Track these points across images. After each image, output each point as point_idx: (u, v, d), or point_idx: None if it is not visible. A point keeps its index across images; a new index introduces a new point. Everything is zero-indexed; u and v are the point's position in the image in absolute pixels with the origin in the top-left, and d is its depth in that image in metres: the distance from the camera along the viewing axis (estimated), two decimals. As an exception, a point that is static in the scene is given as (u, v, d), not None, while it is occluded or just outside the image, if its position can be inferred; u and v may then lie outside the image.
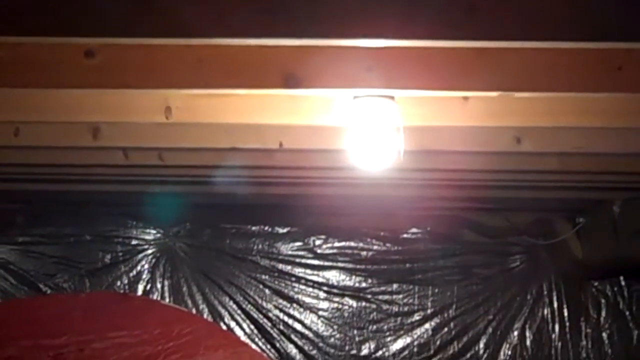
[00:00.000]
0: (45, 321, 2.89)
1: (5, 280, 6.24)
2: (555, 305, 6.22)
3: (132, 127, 3.55)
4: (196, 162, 4.15)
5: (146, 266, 6.30)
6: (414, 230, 6.32)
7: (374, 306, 6.25)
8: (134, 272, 6.30)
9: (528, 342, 6.20)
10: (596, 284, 6.26)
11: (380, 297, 6.25)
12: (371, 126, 2.83)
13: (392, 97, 2.68)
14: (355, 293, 6.27)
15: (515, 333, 6.20)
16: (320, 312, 6.25)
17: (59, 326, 2.80)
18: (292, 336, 6.18)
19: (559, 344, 6.19)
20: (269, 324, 6.19)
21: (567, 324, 6.21)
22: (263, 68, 2.44)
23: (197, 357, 2.68)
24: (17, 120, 3.46)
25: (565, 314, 6.22)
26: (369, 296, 6.25)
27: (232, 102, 3.08)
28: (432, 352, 6.18)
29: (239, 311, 6.19)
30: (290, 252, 6.29)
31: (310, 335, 6.20)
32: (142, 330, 2.83)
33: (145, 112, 3.16)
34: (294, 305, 6.24)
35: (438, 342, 6.19)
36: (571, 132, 3.37)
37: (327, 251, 6.30)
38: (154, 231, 6.31)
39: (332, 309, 6.26)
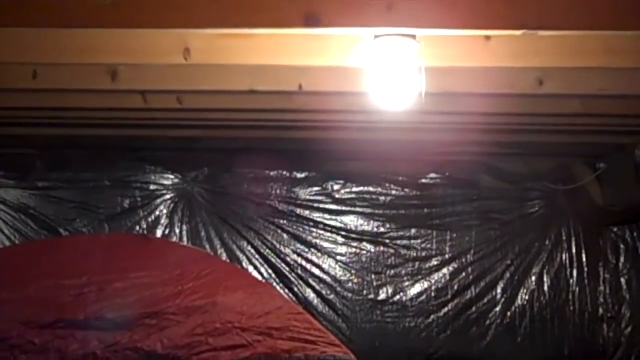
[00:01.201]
0: (66, 261, 2.91)
1: (26, 225, 6.29)
2: (574, 250, 6.21)
3: (151, 69, 3.52)
4: (214, 105, 4.12)
5: (165, 211, 6.32)
6: (433, 175, 6.29)
7: (391, 251, 6.26)
8: (153, 216, 6.32)
9: (546, 287, 6.20)
10: (615, 229, 6.24)
11: (398, 241, 6.26)
12: (392, 66, 2.78)
13: (413, 36, 2.63)
14: (373, 238, 6.27)
15: (533, 278, 6.20)
16: (338, 257, 6.27)
17: (79, 266, 2.82)
18: (310, 280, 6.21)
19: (577, 288, 6.20)
20: (287, 268, 6.21)
21: (586, 269, 6.21)
22: (282, 6, 2.40)
23: (217, 298, 2.69)
24: (35, 62, 3.44)
25: (584, 259, 6.21)
26: (387, 241, 6.26)
27: (251, 43, 3.04)
28: (449, 296, 6.19)
29: (257, 255, 6.21)
30: (308, 197, 6.28)
31: (328, 279, 6.23)
32: (161, 270, 2.85)
33: (164, 54, 3.13)
34: (312, 249, 6.26)
35: (455, 287, 6.21)
36: (595, 73, 3.31)
37: (346, 196, 6.29)
38: (172, 176, 6.32)
39: (350, 253, 6.28)
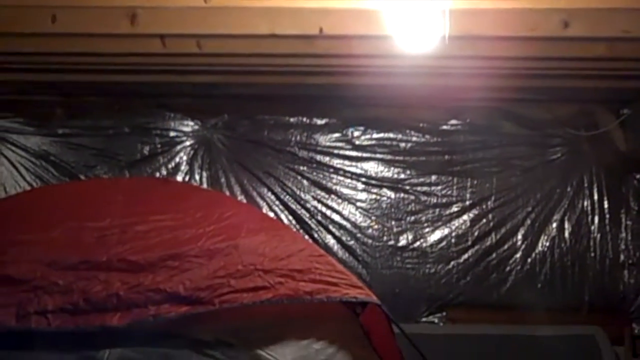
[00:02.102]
0: (89, 205, 2.91)
1: (47, 171, 6.32)
2: (596, 197, 6.16)
3: (170, 12, 3.50)
4: (234, 49, 4.09)
5: (184, 158, 6.33)
6: (454, 121, 6.24)
7: (412, 197, 6.24)
8: (173, 163, 6.33)
9: (566, 234, 6.18)
10: (638, 176, 6.18)
11: (419, 188, 6.24)
12: (415, 8, 2.74)
13: (437, -24, 2.59)
14: (394, 184, 6.25)
15: (554, 225, 6.18)
16: (359, 203, 6.26)
17: (102, 209, 2.82)
18: (330, 227, 6.22)
19: (598, 235, 6.17)
20: (307, 214, 6.22)
21: (607, 216, 6.17)
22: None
23: (239, 240, 2.68)
24: (54, 5, 3.43)
25: (606, 206, 6.17)
26: (407, 187, 6.24)
27: (272, -16, 3.01)
28: (469, 243, 6.19)
29: (277, 202, 6.22)
30: (328, 144, 6.26)
31: (348, 226, 6.23)
32: (183, 213, 2.83)
33: (184, -4, 3.11)
34: (332, 196, 6.25)
35: (476, 234, 6.19)
36: (623, 15, 3.25)
37: (366, 142, 6.26)
38: (191, 123, 6.31)
39: (370, 200, 6.27)
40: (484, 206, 6.21)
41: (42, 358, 2.40)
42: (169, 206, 2.89)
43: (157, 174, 6.28)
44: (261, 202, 6.22)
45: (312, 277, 2.56)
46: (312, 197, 6.24)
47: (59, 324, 2.41)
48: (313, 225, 6.21)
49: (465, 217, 6.21)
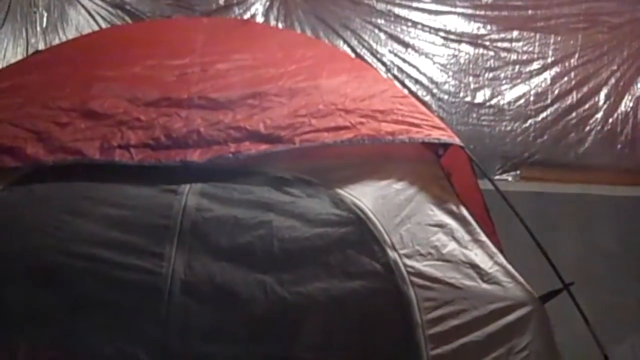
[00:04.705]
0: (169, 43, 2.89)
1: (123, 21, 6.35)
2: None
3: None
4: None
5: (260, 9, 6.26)
6: (539, -26, 5.99)
7: (491, 53, 6.07)
8: (248, 14, 6.28)
9: (653, 94, 5.99)
10: None
11: (499, 44, 6.06)
12: None
13: None
14: (473, 39, 6.08)
15: (639, 85, 5.98)
16: (436, 58, 6.12)
17: (182, 48, 2.80)
18: (406, 81, 6.12)
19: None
20: (383, 68, 6.12)
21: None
22: None
23: (320, 80, 2.64)
24: None
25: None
26: (487, 43, 6.07)
27: None
28: (549, 101, 6.03)
29: (353, 55, 6.12)
30: (407, -4, 6.09)
31: (425, 81, 6.12)
32: (264, 53, 2.80)
33: None
34: (409, 50, 6.12)
35: (556, 92, 6.03)
36: None
37: (446, -5, 6.08)
38: (268, -27, 6.19)
39: (448, 55, 6.12)
40: (567, 64, 6.02)
41: (124, 191, 2.43)
42: (250, 46, 2.86)
43: (232, 26, 6.23)
44: (337, 55, 6.13)
45: (394, 117, 2.52)
46: (389, 51, 6.13)
47: (141, 158, 2.43)
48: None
49: (546, 74, 6.04)
